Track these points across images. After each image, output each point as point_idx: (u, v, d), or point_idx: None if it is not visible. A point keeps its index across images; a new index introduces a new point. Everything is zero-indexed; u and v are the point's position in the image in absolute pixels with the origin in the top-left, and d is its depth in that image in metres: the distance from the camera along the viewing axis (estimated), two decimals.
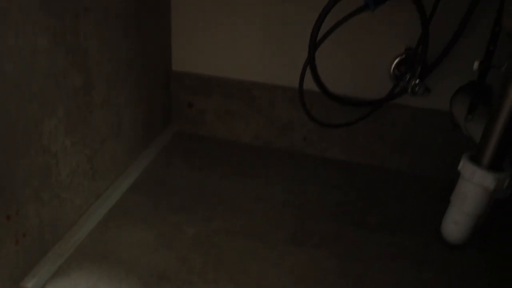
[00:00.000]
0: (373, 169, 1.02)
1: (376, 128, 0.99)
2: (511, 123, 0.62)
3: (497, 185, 0.64)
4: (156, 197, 0.86)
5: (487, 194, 0.65)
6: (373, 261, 0.74)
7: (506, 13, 0.61)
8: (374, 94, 0.95)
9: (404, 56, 0.92)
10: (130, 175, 0.89)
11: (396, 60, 0.93)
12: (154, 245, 0.74)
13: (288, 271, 0.71)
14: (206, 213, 0.82)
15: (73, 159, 0.72)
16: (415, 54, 0.89)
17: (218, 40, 1.00)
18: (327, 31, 0.79)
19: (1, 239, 0.58)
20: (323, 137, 1.03)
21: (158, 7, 0.95)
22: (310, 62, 0.79)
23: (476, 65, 0.75)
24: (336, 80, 0.96)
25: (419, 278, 0.71)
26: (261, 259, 0.73)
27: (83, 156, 0.75)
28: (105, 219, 0.79)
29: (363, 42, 0.93)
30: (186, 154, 1.02)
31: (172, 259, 0.71)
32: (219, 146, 1.06)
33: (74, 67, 0.68)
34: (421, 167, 1.00)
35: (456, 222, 0.70)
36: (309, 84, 0.85)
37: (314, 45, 0.78)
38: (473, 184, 0.66)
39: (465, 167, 0.66)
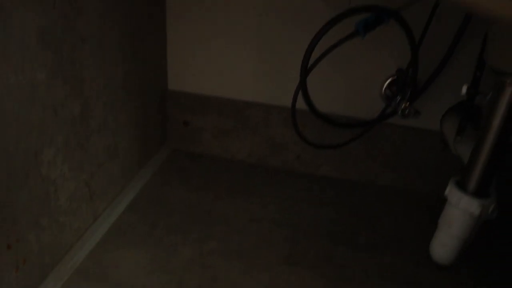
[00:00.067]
0: (366, 186, 1.04)
1: (368, 146, 1.01)
2: (495, 152, 0.64)
3: (482, 211, 0.66)
4: (152, 217, 0.88)
5: (473, 219, 0.68)
6: (363, 282, 0.76)
7: (488, 50, 0.63)
8: (366, 113, 0.97)
9: (395, 76, 0.94)
10: (127, 195, 0.91)
11: (388, 81, 0.95)
12: (150, 267, 0.76)
13: None
14: (201, 234, 0.84)
15: (71, 184, 0.74)
16: (406, 76, 0.91)
17: (213, 60, 1.02)
18: (319, 56, 0.81)
19: (2, 268, 0.60)
20: (316, 155, 1.05)
21: (154, 29, 0.97)
22: (302, 87, 0.81)
23: (464, 89, 0.77)
24: (329, 99, 0.98)
25: None
26: (254, 280, 0.75)
27: (81, 180, 0.77)
28: (103, 240, 0.81)
29: (355, 62, 0.95)
30: (182, 173, 1.04)
31: (168, 281, 0.73)
32: (215, 164, 1.08)
33: (72, 96, 0.70)
34: (413, 185, 1.03)
35: (444, 245, 0.72)
36: (302, 104, 0.87)
37: (305, 71, 0.80)
38: (459, 210, 0.68)
39: (452, 193, 0.68)
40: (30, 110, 0.61)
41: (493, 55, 0.60)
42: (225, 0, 0.96)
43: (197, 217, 0.89)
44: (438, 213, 0.76)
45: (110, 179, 0.87)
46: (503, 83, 0.59)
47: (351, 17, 0.76)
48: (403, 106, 0.85)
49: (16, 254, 0.63)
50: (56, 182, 0.69)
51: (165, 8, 1.00)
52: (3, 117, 0.56)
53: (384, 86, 0.96)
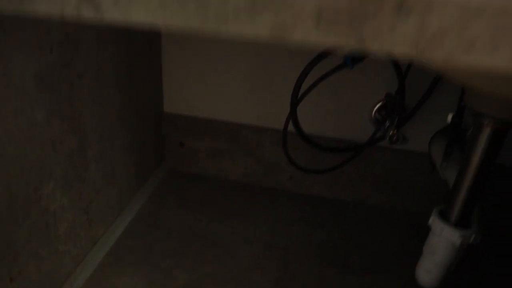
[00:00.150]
0: (357, 206, 1.07)
1: (359, 167, 1.04)
2: (475, 186, 0.67)
3: (463, 241, 0.69)
4: (149, 241, 0.91)
5: (455, 248, 0.71)
6: None
7: (466, 91, 0.66)
8: (356, 136, 1.00)
9: (385, 101, 0.97)
10: (124, 219, 0.94)
11: (378, 105, 0.98)
12: None
13: None
14: (196, 258, 0.87)
15: (70, 214, 0.77)
16: (394, 102, 0.94)
17: (207, 84, 1.05)
18: (308, 88, 0.84)
19: None
20: (309, 176, 1.08)
21: (149, 56, 1.00)
22: (292, 117, 0.84)
23: (449, 118, 0.80)
24: (319, 122, 1.01)
25: None
26: None
27: (79, 209, 0.80)
28: (101, 265, 0.84)
29: (345, 87, 0.98)
30: (178, 194, 1.07)
31: None
32: (210, 184, 1.11)
33: (70, 132, 0.73)
34: (403, 205, 1.05)
35: (428, 271, 0.75)
36: None
37: (295, 102, 0.82)
38: (442, 239, 0.71)
39: (435, 223, 0.71)
40: (30, 149, 0.64)
41: (470, 97, 0.63)
42: None
43: (192, 240, 0.92)
44: (428, 235, 0.79)
45: (108, 204, 0.90)
46: (481, 123, 0.62)
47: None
48: (391, 133, 0.88)
49: (18, 286, 0.66)
50: (56, 213, 0.72)
51: (160, 35, 1.02)
52: (3, 158, 0.59)
53: (374, 110, 0.98)
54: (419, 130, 0.97)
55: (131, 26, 0.36)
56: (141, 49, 0.94)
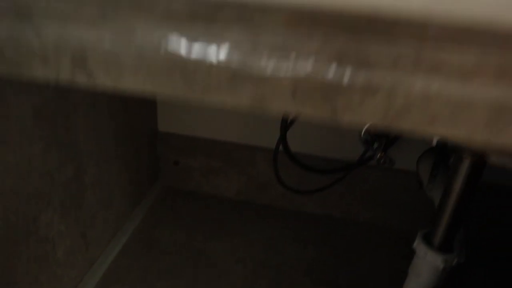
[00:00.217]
0: (347, 223, 1.09)
1: (350, 185, 1.07)
2: (457, 214, 0.70)
3: (446, 265, 0.72)
4: (145, 261, 0.93)
5: (439, 271, 0.73)
6: None
7: None
8: (347, 155, 1.02)
9: None
10: (120, 239, 0.97)
11: (366, 126, 1.00)
12: None
13: None
14: (190, 278, 0.90)
15: (68, 239, 0.79)
16: None
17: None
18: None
19: None
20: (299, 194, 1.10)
21: None
22: (283, 143, 0.86)
23: (434, 141, 0.83)
24: (310, 142, 1.04)
25: None
26: None
27: (77, 233, 0.82)
28: (98, 286, 0.86)
29: None
30: (173, 212, 1.09)
31: None
32: (205, 202, 1.13)
33: (67, 160, 0.75)
34: (392, 222, 1.08)
35: None
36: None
37: (285, 127, 0.85)
38: (426, 262, 0.73)
39: (419, 247, 0.74)
40: (28, 181, 0.66)
41: None
42: None
43: (187, 260, 0.94)
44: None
45: (104, 226, 0.92)
46: (460, 156, 0.64)
47: None
48: (378, 155, 0.90)
49: None
50: (54, 240, 0.75)
51: None
52: (2, 192, 0.61)
53: (363, 131, 1.01)
54: (407, 149, 1.00)
55: (122, 92, 0.38)
56: None
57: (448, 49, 0.27)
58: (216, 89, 0.32)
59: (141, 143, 1.05)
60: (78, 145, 0.78)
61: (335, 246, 1.01)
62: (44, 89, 0.66)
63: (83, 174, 0.81)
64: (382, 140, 0.92)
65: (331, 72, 0.29)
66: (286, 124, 0.84)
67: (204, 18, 0.29)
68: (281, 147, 0.90)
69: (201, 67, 0.31)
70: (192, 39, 0.30)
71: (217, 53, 0.30)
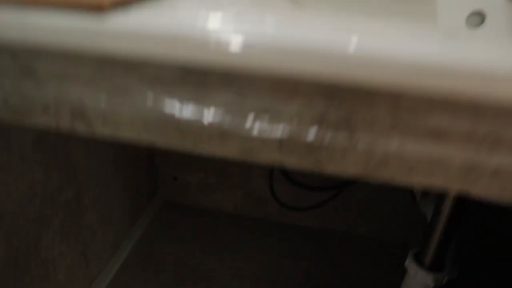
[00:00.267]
0: (344, 236, 1.11)
1: (345, 198, 1.09)
2: (445, 237, 0.72)
3: (436, 284, 0.74)
4: (144, 277, 0.95)
5: None
6: None
7: None
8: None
9: None
10: (120, 256, 0.99)
11: None
12: None
13: None
14: None
15: (68, 258, 0.81)
16: None
17: None
18: None
19: None
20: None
21: None
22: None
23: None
24: None
25: None
26: None
27: (77, 252, 0.84)
28: None
29: None
30: (172, 227, 1.11)
31: None
32: (202, 216, 1.15)
33: (67, 183, 0.77)
34: (387, 234, 1.10)
35: None
36: None
37: None
38: (417, 281, 0.76)
39: (410, 266, 0.76)
40: (30, 206, 0.68)
41: None
42: None
43: (185, 275, 0.96)
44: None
45: (104, 244, 0.94)
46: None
47: None
48: None
49: None
50: (55, 260, 0.77)
51: None
52: (4, 218, 0.63)
53: None
54: None
55: (119, 140, 0.41)
56: None
57: (422, 114, 0.29)
58: (207, 142, 0.34)
59: (139, 160, 1.07)
60: (77, 168, 0.80)
61: (331, 259, 1.03)
62: None
63: (83, 195, 0.83)
64: None
65: (312, 133, 0.31)
66: None
67: (194, 83, 0.32)
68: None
69: (193, 125, 0.33)
70: (183, 100, 0.32)
71: (207, 114, 0.32)
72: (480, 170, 0.30)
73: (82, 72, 0.34)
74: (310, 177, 1.03)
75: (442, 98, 0.28)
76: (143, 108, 0.34)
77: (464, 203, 0.68)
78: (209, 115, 0.33)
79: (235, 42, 0.27)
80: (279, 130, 0.32)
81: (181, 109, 0.33)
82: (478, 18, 0.63)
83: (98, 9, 0.29)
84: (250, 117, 0.32)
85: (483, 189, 0.31)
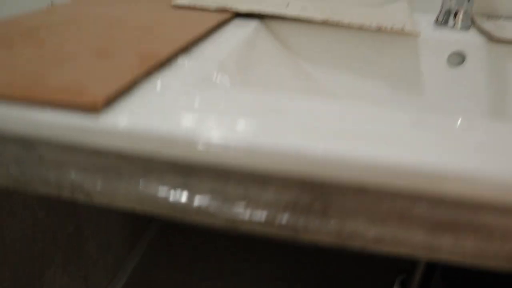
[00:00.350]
0: (340, 251, 1.14)
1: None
2: (431, 261, 0.75)
3: None
4: None
5: None
6: None
7: None
8: None
9: None
10: (119, 281, 1.02)
11: None
12: None
13: None
14: None
15: (71, 287, 0.85)
16: None
17: None
18: None
19: None
20: None
21: None
22: None
23: None
24: None
25: None
26: None
27: (79, 280, 0.87)
28: None
29: None
30: (170, 250, 1.14)
31: None
32: (200, 237, 1.19)
33: (68, 219, 0.80)
34: (382, 253, 1.13)
35: None
36: None
37: None
38: None
39: None
40: (33, 244, 0.72)
41: None
42: None
43: None
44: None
45: (105, 268, 0.98)
46: None
47: None
48: None
49: None
50: None
51: None
52: (8, 257, 0.66)
53: None
54: None
55: (115, 208, 0.44)
56: None
57: (386, 200, 0.32)
58: (195, 215, 0.38)
59: None
60: (77, 203, 0.83)
61: (327, 280, 1.06)
62: None
63: (83, 228, 0.86)
64: None
65: (285, 219, 0.35)
66: None
67: (181, 173, 0.35)
68: None
69: (182, 206, 0.37)
70: (172, 187, 0.36)
71: (194, 199, 0.36)
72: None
73: (79, 160, 0.37)
74: None
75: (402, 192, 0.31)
76: (136, 190, 0.37)
77: None
78: (196, 200, 0.36)
79: (216, 143, 0.31)
80: (254, 216, 0.36)
81: (171, 194, 0.36)
82: (458, 57, 0.66)
83: (92, 109, 0.32)
84: (232, 201, 0.36)
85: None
